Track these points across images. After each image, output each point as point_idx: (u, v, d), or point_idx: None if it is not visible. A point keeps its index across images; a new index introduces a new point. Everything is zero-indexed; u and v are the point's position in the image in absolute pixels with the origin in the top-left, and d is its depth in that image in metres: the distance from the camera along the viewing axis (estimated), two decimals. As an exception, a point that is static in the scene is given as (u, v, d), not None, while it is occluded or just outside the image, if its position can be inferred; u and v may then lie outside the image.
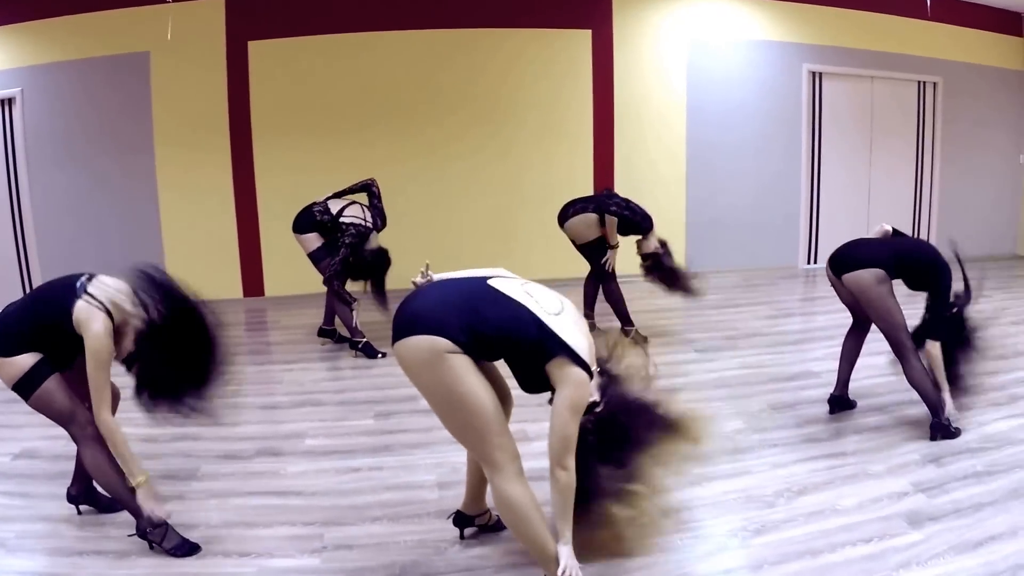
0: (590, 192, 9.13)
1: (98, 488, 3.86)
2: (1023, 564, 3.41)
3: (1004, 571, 3.37)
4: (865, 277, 4.89)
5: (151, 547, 3.63)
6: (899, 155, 10.64)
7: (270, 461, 4.70)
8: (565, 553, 3.14)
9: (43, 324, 3.51)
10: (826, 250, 10.27)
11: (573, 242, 7.08)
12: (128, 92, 8.55)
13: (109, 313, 3.46)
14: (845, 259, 5.10)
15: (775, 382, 6.01)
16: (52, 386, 3.52)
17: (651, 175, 9.66)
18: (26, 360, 3.47)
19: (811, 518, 3.90)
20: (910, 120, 10.60)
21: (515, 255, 9.53)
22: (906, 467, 4.45)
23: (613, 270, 6.98)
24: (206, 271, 8.81)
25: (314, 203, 6.86)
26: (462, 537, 3.69)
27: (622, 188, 9.43)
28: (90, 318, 3.41)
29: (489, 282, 3.25)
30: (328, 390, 6.03)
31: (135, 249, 8.66)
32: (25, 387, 3.50)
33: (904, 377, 4.89)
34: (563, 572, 3.11)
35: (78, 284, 3.52)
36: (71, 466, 3.96)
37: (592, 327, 7.06)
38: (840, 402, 5.31)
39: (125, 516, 3.92)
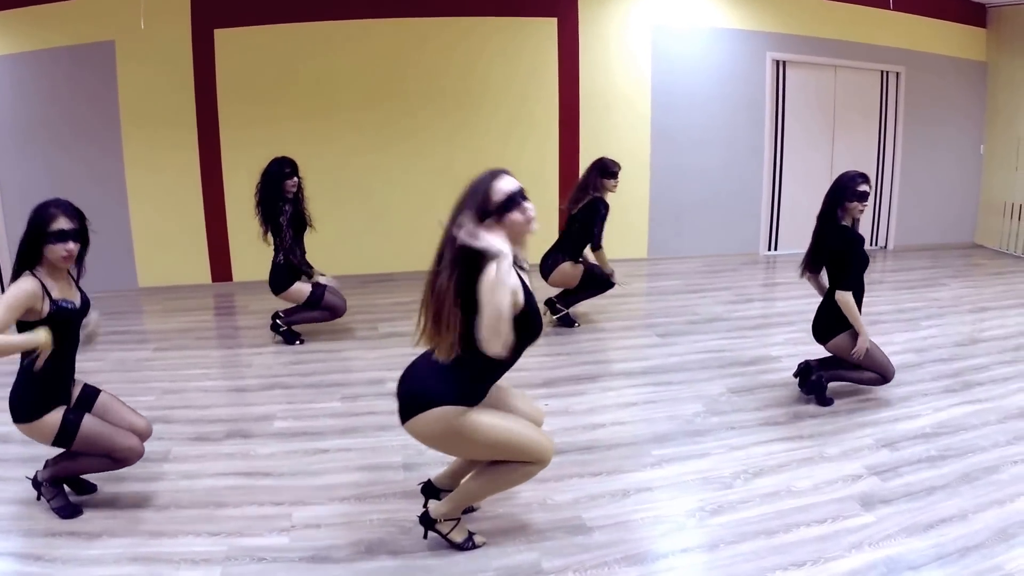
0: (555, 177, 9.25)
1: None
2: (972, 547, 3.53)
3: (953, 553, 3.48)
4: (842, 343, 5.15)
5: (38, 499, 3.91)
6: (861, 144, 10.75)
7: (240, 443, 4.75)
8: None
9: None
10: (787, 237, 10.47)
11: (567, 289, 7.16)
12: (94, 82, 8.44)
13: (35, 276, 3.57)
14: (819, 332, 5.34)
15: (735, 366, 6.11)
16: (89, 426, 3.70)
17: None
18: (54, 416, 3.66)
19: (767, 499, 4.01)
20: (872, 109, 10.70)
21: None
22: (860, 451, 4.57)
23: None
24: (175, 258, 8.86)
25: (276, 258, 6.63)
26: (425, 506, 3.73)
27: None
28: (12, 285, 3.52)
29: None
30: (297, 373, 6.06)
31: (103, 239, 8.59)
32: (64, 439, 3.68)
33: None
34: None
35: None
36: (44, 450, 4.00)
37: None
38: (806, 373, 5.49)
39: (98, 498, 4.02)
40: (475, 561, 3.48)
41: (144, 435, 3.96)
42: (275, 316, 6.82)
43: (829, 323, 5.18)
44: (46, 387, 3.66)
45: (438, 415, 3.22)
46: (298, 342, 6.76)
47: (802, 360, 5.51)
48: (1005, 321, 7.24)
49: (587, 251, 6.94)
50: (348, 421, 5.07)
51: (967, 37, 10.75)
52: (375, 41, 8.93)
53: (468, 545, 3.55)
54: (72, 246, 3.62)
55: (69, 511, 3.84)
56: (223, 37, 8.60)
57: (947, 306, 7.57)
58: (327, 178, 8.93)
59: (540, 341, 6.53)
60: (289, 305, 6.77)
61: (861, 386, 5.33)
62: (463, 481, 3.59)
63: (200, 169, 8.78)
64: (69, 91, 8.42)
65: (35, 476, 3.92)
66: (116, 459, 3.74)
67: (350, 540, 3.65)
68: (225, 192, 8.86)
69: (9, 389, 3.69)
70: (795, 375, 5.52)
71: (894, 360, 5.37)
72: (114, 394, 4.06)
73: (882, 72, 10.56)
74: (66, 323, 3.66)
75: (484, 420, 3.26)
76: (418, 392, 3.29)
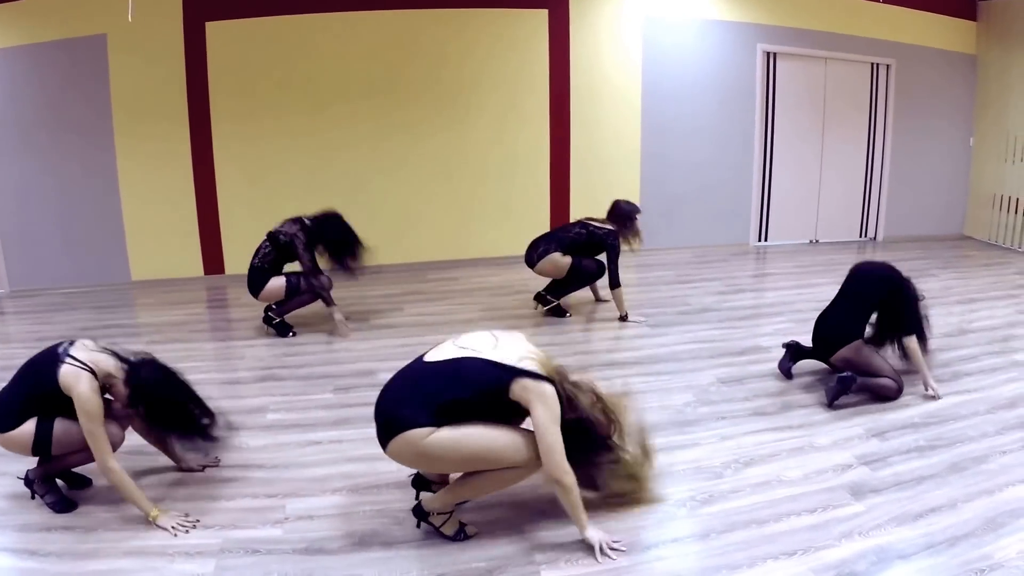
0: (546, 169, 9.26)
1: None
2: (961, 536, 3.55)
3: (942, 542, 3.50)
4: (847, 354, 5.26)
5: (32, 497, 3.91)
6: (851, 136, 10.77)
7: (233, 435, 4.74)
8: (594, 537, 3.44)
9: (35, 395, 3.71)
10: (777, 228, 10.49)
11: (556, 279, 7.22)
12: (85, 76, 8.41)
13: (92, 371, 3.65)
14: (824, 341, 5.45)
15: (725, 356, 6.14)
16: (61, 428, 3.72)
17: (606, 153, 9.73)
18: (28, 426, 3.69)
19: (757, 489, 4.04)
20: (862, 101, 10.72)
21: (474, 234, 9.60)
22: (850, 441, 4.60)
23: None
24: (167, 251, 8.86)
25: (253, 261, 6.83)
26: (417, 498, 3.79)
27: (577, 167, 9.56)
28: (77, 378, 3.60)
29: (425, 359, 3.56)
30: (289, 365, 6.07)
31: (96, 232, 8.66)
32: (42, 446, 3.71)
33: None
34: (600, 549, 3.42)
35: (60, 350, 3.72)
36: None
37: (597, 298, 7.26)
38: (797, 353, 5.64)
39: (92, 493, 4.02)
40: (467, 551, 3.49)
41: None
42: (267, 309, 6.84)
43: (834, 342, 5.31)
44: (36, 406, 3.72)
45: (407, 439, 3.30)
46: (291, 334, 6.77)
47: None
48: (994, 312, 7.28)
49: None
50: (340, 412, 5.09)
51: (957, 30, 10.77)
52: (366, 34, 8.91)
53: (460, 536, 3.57)
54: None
55: (63, 505, 3.84)
56: (215, 30, 8.57)
57: (936, 297, 7.60)
58: (318, 170, 8.96)
59: (532, 331, 6.58)
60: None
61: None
62: (453, 480, 3.61)
63: (192, 161, 8.76)
64: (61, 85, 8.39)
65: (27, 475, 3.92)
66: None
67: (343, 531, 3.67)
68: (217, 185, 8.84)
69: None
70: (784, 345, 5.68)
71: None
72: None
73: (872, 64, 10.58)
74: None
75: (452, 436, 3.31)
76: (389, 417, 3.40)
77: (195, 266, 9.06)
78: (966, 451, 4.44)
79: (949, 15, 10.67)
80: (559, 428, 3.33)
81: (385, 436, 3.39)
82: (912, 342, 5.21)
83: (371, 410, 4.99)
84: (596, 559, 3.39)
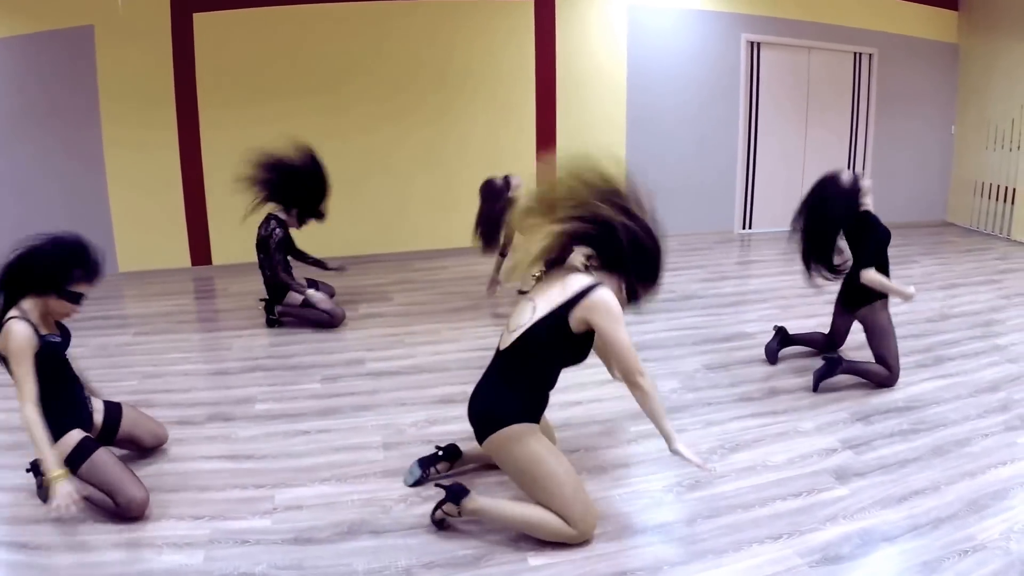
0: (532, 158, 9.26)
1: None
2: (944, 518, 3.60)
3: (926, 524, 3.54)
4: (871, 315, 5.21)
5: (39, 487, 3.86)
6: (834, 124, 10.83)
7: (221, 426, 4.76)
8: (684, 451, 3.43)
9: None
10: (761, 216, 10.54)
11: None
12: (73, 67, 8.37)
13: (24, 317, 3.58)
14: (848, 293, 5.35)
15: (710, 343, 6.18)
16: (102, 457, 3.70)
17: (592, 142, 9.73)
18: (71, 438, 3.67)
19: (743, 474, 4.07)
20: (845, 90, 10.78)
21: (461, 224, 9.60)
22: (835, 425, 4.64)
23: None
24: (154, 242, 8.83)
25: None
26: (438, 448, 4.00)
27: (564, 156, 9.53)
28: (7, 331, 3.51)
29: (500, 350, 3.59)
30: (277, 355, 6.07)
31: (83, 223, 8.56)
32: (75, 460, 3.66)
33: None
34: (695, 461, 3.41)
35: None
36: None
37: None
38: (785, 338, 5.68)
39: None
40: (456, 540, 3.50)
41: (163, 440, 4.24)
42: (268, 310, 6.85)
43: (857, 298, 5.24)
44: (57, 419, 3.65)
45: (507, 434, 3.40)
46: (277, 325, 6.77)
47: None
48: (975, 297, 7.34)
49: None
50: (328, 402, 5.09)
51: (939, 19, 10.83)
52: (352, 24, 8.91)
53: (444, 525, 3.59)
54: (79, 309, 3.70)
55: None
56: (202, 21, 8.55)
57: (918, 283, 7.64)
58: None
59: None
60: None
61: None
62: (503, 501, 3.57)
63: (179, 152, 8.75)
64: (49, 76, 8.36)
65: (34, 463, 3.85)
66: (117, 503, 3.65)
67: (332, 521, 3.68)
68: (204, 176, 8.83)
69: None
70: (775, 328, 5.74)
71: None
72: (133, 404, 4.10)
73: (855, 54, 10.63)
74: (52, 356, 3.68)
75: (544, 455, 3.41)
76: (487, 411, 3.48)
77: (182, 257, 9.05)
78: (949, 434, 4.49)
79: (931, 4, 10.75)
80: (624, 330, 3.36)
81: (484, 431, 3.48)
82: (870, 273, 5.06)
83: (359, 399, 5.07)
84: (698, 466, 3.42)
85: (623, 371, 3.38)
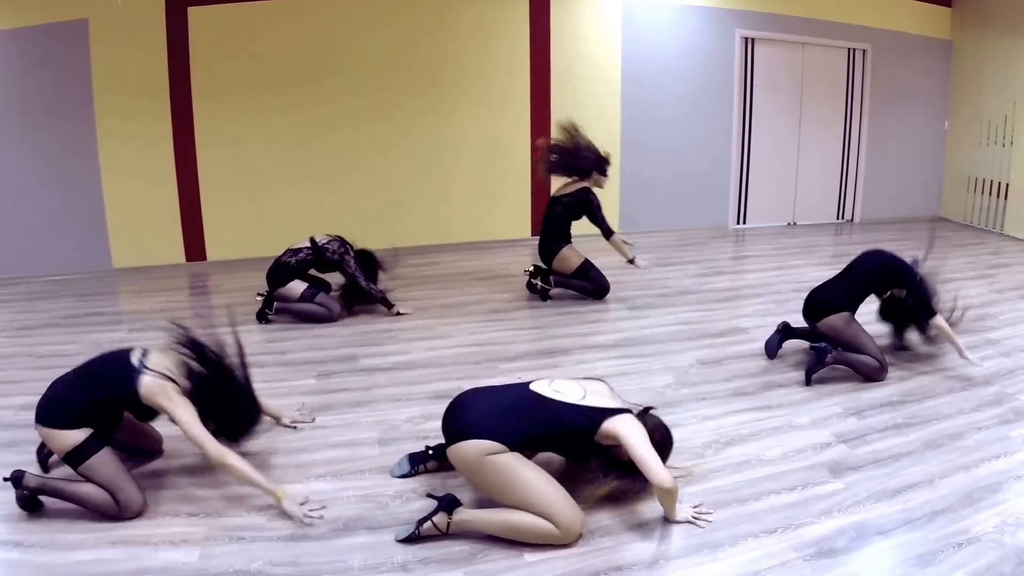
0: (527, 155, 9.26)
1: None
2: (938, 511, 3.61)
3: (920, 518, 3.56)
4: (836, 323, 5.34)
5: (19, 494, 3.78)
6: (828, 120, 10.84)
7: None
8: (681, 515, 3.59)
9: (98, 399, 3.71)
10: (755, 211, 10.55)
11: (562, 274, 7.25)
12: (67, 60, 8.31)
13: (172, 379, 3.72)
14: (813, 307, 5.52)
15: (705, 338, 6.18)
16: (102, 459, 3.69)
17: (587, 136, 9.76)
18: (77, 435, 3.65)
19: (738, 468, 4.08)
20: (839, 86, 10.79)
21: (454, 219, 9.61)
22: (829, 419, 4.65)
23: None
24: (148, 237, 8.82)
25: (281, 257, 6.83)
26: (428, 448, 4.04)
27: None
28: (164, 390, 3.67)
29: (531, 387, 3.67)
30: (271, 351, 6.04)
31: (77, 218, 8.60)
32: (75, 458, 3.66)
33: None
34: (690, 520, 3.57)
35: (135, 361, 3.73)
36: (23, 435, 4.03)
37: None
38: (787, 333, 5.72)
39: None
40: (451, 536, 3.50)
41: (159, 443, 4.30)
42: (265, 307, 6.82)
43: (826, 307, 5.39)
44: (95, 411, 3.72)
45: (479, 446, 3.41)
46: (265, 322, 6.75)
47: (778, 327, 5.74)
48: (968, 292, 7.35)
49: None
50: (322, 398, 5.08)
51: (933, 15, 10.86)
52: (347, 18, 8.88)
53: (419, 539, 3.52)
54: None
55: (27, 503, 3.72)
56: (196, 15, 8.52)
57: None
58: (299, 156, 8.94)
59: (513, 314, 6.60)
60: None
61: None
62: (486, 511, 3.53)
63: (173, 147, 8.70)
64: (43, 70, 8.30)
65: (21, 477, 3.69)
66: (118, 502, 3.64)
67: (327, 517, 3.67)
68: (199, 170, 8.80)
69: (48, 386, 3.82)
70: (778, 330, 5.73)
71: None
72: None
73: (849, 49, 10.65)
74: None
75: (511, 463, 3.42)
76: (476, 423, 3.50)
77: (176, 253, 9.02)
78: (942, 428, 4.51)
79: (924, 1, 10.75)
80: (648, 443, 3.46)
81: (459, 437, 3.48)
82: (938, 321, 5.29)
83: (353, 395, 5.05)
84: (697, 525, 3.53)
85: (651, 477, 3.42)
